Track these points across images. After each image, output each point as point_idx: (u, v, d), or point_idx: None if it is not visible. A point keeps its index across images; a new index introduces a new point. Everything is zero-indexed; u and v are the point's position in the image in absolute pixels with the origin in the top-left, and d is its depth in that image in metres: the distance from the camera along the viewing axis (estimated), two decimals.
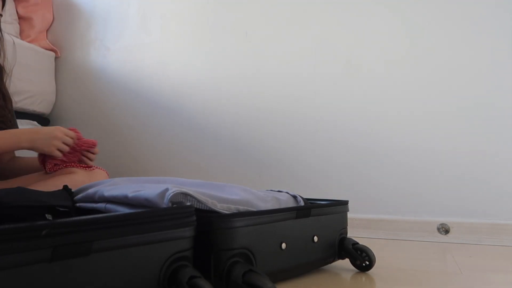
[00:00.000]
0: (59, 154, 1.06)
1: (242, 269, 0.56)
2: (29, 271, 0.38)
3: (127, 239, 0.45)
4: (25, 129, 1.11)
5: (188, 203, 0.60)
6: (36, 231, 0.38)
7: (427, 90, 1.37)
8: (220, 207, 0.64)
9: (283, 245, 0.70)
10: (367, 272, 0.86)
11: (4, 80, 1.24)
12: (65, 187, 0.80)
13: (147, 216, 0.47)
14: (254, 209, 0.70)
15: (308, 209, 0.77)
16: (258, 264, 0.64)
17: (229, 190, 0.76)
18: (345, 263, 0.89)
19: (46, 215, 0.66)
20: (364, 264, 0.85)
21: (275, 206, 0.78)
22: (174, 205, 0.57)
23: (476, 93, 1.31)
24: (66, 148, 1.08)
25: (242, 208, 0.68)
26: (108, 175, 1.21)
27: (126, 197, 0.63)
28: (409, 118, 1.38)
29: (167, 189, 0.59)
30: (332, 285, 0.77)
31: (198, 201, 0.61)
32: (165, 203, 0.57)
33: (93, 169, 1.15)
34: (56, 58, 2.03)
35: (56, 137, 1.05)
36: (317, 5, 1.54)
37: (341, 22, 1.50)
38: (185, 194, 0.60)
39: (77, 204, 0.74)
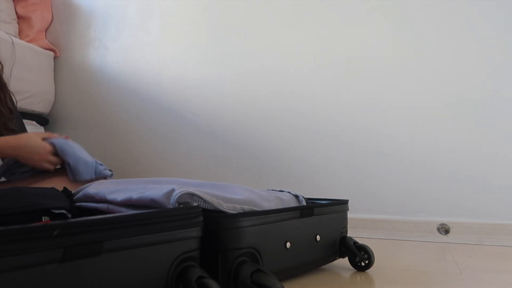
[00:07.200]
0: (48, 167, 1.08)
1: (250, 268, 0.57)
2: (41, 271, 0.38)
3: (137, 239, 0.45)
4: (13, 138, 1.09)
5: (195, 204, 0.60)
6: (47, 232, 0.38)
7: (427, 90, 1.37)
8: (226, 207, 0.64)
9: (288, 244, 0.70)
10: (367, 271, 0.86)
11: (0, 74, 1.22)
12: (65, 189, 0.80)
13: (156, 217, 0.47)
14: (259, 209, 0.71)
15: (311, 208, 0.78)
16: (264, 263, 0.64)
17: (231, 189, 0.76)
18: (345, 263, 0.90)
19: (43, 217, 0.66)
20: (363, 263, 0.86)
21: (278, 205, 0.78)
22: (181, 206, 0.57)
23: (478, 93, 1.31)
24: (51, 167, 1.09)
25: (247, 207, 0.68)
26: None
27: (130, 199, 0.63)
28: (410, 118, 1.38)
29: (173, 190, 0.59)
30: (332, 284, 0.77)
31: (205, 201, 0.61)
32: (171, 203, 0.57)
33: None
34: (55, 57, 2.02)
35: (40, 154, 1.06)
36: (317, 5, 1.54)
37: (341, 22, 1.51)
38: (192, 195, 0.60)
39: (77, 204, 0.74)
